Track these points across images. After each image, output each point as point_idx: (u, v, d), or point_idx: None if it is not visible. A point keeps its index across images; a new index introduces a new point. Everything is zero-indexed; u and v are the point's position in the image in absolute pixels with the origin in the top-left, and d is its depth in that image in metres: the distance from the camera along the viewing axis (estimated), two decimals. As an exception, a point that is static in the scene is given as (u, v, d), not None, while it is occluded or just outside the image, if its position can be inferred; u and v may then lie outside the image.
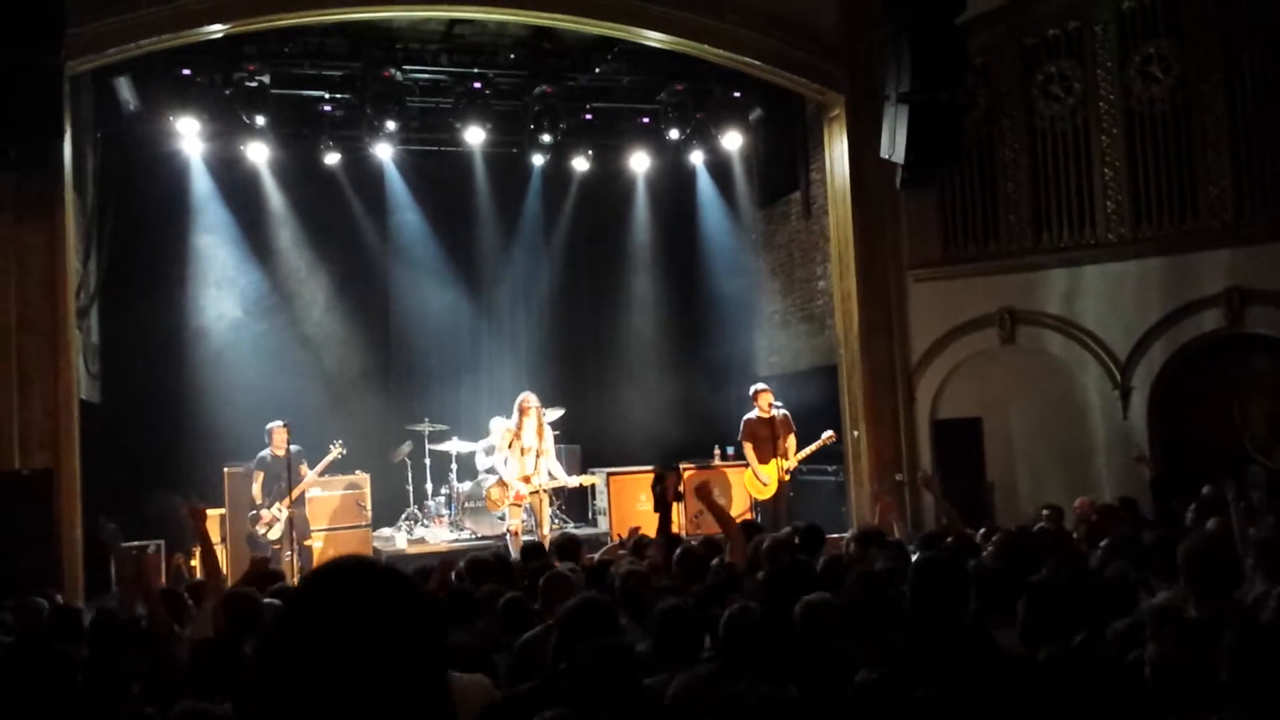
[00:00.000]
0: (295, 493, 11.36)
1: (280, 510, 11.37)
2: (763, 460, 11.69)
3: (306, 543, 11.59)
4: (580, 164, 14.61)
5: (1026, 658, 3.95)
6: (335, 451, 11.45)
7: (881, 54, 11.33)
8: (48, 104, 9.31)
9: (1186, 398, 11.06)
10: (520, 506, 11.37)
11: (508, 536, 11.30)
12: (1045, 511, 9.05)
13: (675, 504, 7.33)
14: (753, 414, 11.84)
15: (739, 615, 4.17)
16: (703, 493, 7.39)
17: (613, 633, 4.23)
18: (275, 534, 11.40)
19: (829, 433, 11.75)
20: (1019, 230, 11.91)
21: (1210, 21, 11.02)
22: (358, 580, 1.59)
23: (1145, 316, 11.19)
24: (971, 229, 12.10)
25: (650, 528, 9.98)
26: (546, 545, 10.48)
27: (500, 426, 11.80)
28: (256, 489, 11.51)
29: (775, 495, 11.64)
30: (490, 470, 12.38)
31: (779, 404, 11.81)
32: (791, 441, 11.74)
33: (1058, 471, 11.54)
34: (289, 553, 11.05)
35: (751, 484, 11.83)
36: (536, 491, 11.35)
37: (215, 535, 11.56)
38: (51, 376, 10.15)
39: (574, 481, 11.97)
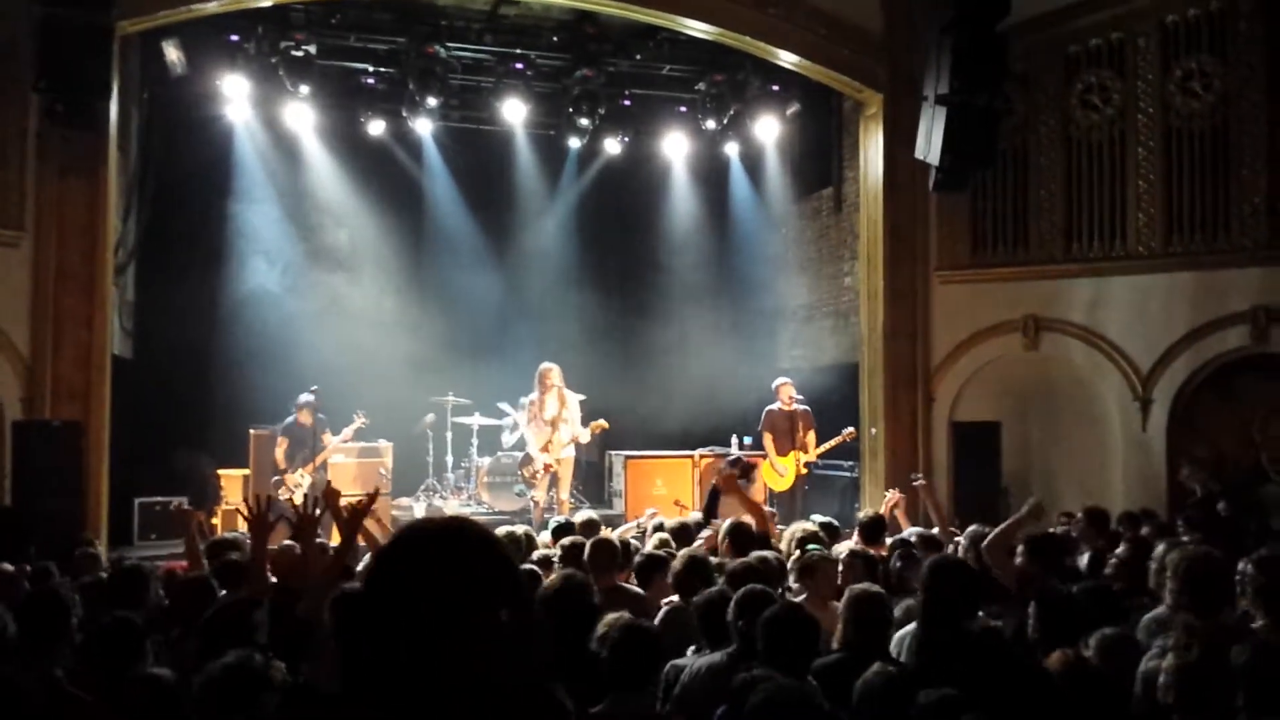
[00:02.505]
0: (319, 459, 11.53)
1: (304, 476, 11.53)
2: (781, 452, 11.83)
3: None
4: (616, 149, 14.70)
5: (1038, 663, 3.95)
6: (358, 421, 11.60)
7: (921, 54, 11.36)
8: (97, 62, 9.49)
9: (1207, 414, 11.07)
10: (544, 478, 11.58)
11: (531, 509, 11.52)
12: (1062, 519, 9.11)
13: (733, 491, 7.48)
14: (774, 406, 11.96)
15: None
16: (729, 484, 7.52)
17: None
18: (298, 499, 11.48)
19: (849, 429, 11.85)
20: (1049, 238, 11.92)
21: (1254, 40, 10.98)
22: (449, 541, 1.67)
23: (1170, 330, 11.19)
24: (1001, 234, 12.12)
25: (666, 511, 10.14)
26: (564, 511, 10.72)
27: (526, 402, 12.00)
28: (280, 454, 11.60)
29: (792, 488, 11.78)
30: (518, 446, 12.61)
31: (800, 397, 11.90)
32: (811, 436, 11.88)
33: (1075, 480, 11.57)
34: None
35: (769, 475, 11.94)
36: (557, 462, 11.55)
37: (239, 496, 11.79)
38: (86, 330, 10.31)
39: (585, 435, 11.82)
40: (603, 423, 11.71)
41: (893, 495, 8.88)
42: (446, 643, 1.57)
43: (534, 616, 1.76)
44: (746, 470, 10.96)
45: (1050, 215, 11.92)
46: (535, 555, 6.80)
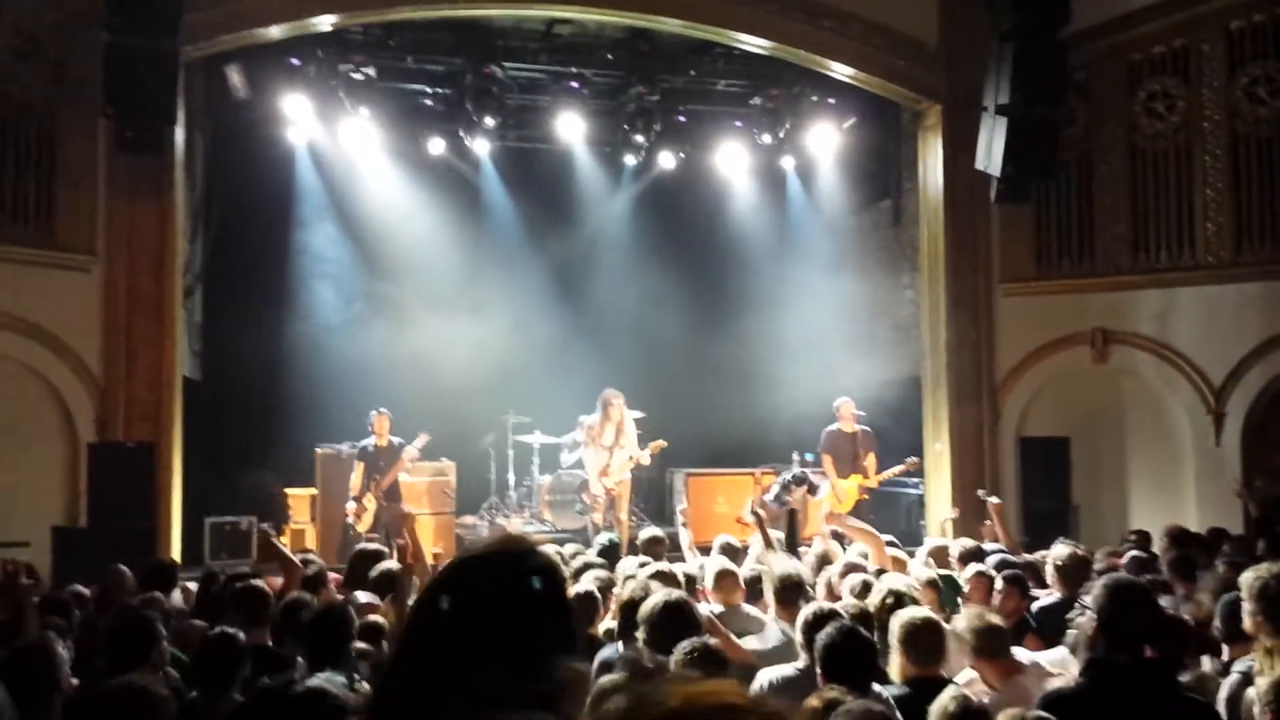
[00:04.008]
0: (385, 482, 11.06)
1: (369, 501, 11.09)
2: (842, 475, 11.52)
3: (400, 541, 11.03)
4: (672, 165, 14.71)
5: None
6: (422, 439, 11.23)
7: (980, 64, 11.23)
8: (163, 89, 9.69)
9: (1280, 427, 10.84)
10: (603, 502, 11.56)
11: (589, 530, 11.49)
12: (1132, 536, 8.94)
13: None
14: (835, 426, 11.71)
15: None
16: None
17: None
18: (364, 525, 11.06)
19: (913, 459, 11.51)
20: (1115, 248, 11.74)
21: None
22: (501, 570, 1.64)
23: (1242, 342, 10.98)
24: (1066, 245, 11.95)
25: (729, 529, 10.09)
26: (625, 533, 10.69)
27: (586, 423, 11.99)
28: (356, 479, 11.14)
29: (853, 510, 11.54)
30: (578, 465, 12.59)
31: (862, 415, 11.73)
32: (871, 458, 11.54)
33: (1146, 496, 11.36)
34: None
35: (829, 498, 11.71)
36: (616, 486, 11.53)
37: (306, 515, 11.88)
38: (157, 352, 10.53)
39: (645, 457, 11.70)
40: (661, 443, 11.67)
41: (995, 503, 8.81)
42: (484, 684, 1.51)
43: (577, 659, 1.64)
44: (804, 483, 10.91)
45: (1115, 225, 11.74)
46: (574, 564, 6.73)
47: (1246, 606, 4.44)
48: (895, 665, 4.41)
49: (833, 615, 4.48)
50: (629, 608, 4.97)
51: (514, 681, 1.50)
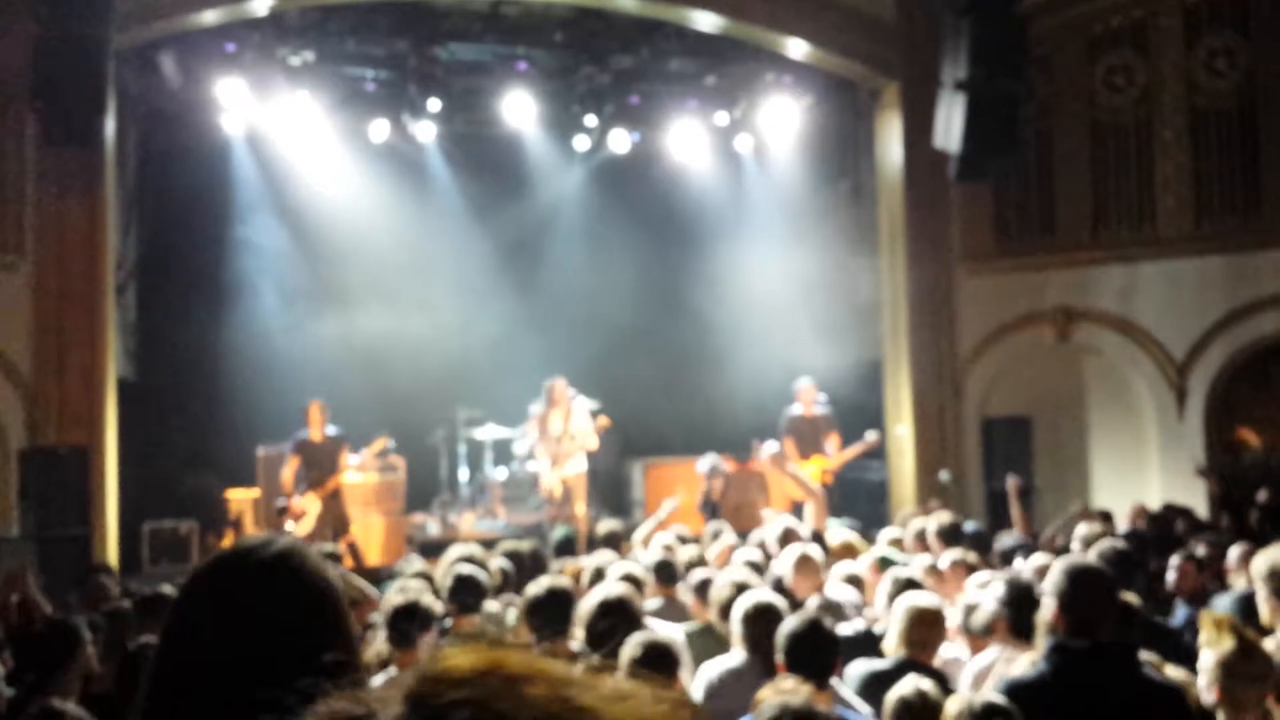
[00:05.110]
0: (330, 485, 10.41)
1: (314, 501, 10.40)
2: (804, 458, 11.42)
3: (345, 540, 10.18)
4: (626, 147, 14.37)
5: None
6: (380, 442, 10.85)
7: (938, 39, 11.00)
8: (93, 79, 9.43)
9: (1244, 401, 10.75)
10: (559, 495, 11.25)
11: (545, 525, 11.22)
12: (1095, 515, 8.81)
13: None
14: (796, 410, 11.57)
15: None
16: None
17: None
18: (305, 528, 10.25)
19: (873, 434, 11.43)
20: (1076, 225, 11.59)
21: (1277, 16, 10.65)
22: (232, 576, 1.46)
23: (1204, 316, 10.88)
24: (1027, 222, 11.80)
25: (690, 520, 9.86)
26: (582, 526, 10.42)
27: (534, 413, 11.68)
28: (288, 474, 10.45)
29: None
30: (531, 456, 12.28)
31: (823, 398, 11.55)
32: (833, 440, 11.44)
33: (1110, 474, 11.25)
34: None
35: (791, 482, 11.54)
36: (570, 478, 11.24)
37: (249, 517, 11.48)
38: (89, 352, 10.22)
39: (593, 440, 11.38)
40: (606, 420, 11.39)
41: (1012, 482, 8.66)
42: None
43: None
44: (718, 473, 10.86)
45: (1076, 201, 11.58)
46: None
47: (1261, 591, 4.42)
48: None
49: (770, 609, 4.49)
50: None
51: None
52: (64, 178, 10.10)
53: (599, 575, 5.85)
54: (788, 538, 6.84)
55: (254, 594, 1.43)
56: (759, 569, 6.06)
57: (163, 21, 10.53)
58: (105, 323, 10.33)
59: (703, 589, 5.59)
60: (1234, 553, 5.67)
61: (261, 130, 12.93)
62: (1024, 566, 6.13)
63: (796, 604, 5.14)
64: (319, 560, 1.52)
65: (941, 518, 7.49)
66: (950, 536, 6.95)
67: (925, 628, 4.54)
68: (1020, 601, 4.64)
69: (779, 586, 5.57)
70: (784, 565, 5.88)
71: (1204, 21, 11.06)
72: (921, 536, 7.33)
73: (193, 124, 12.67)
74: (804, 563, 5.82)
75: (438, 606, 4.96)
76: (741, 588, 4.94)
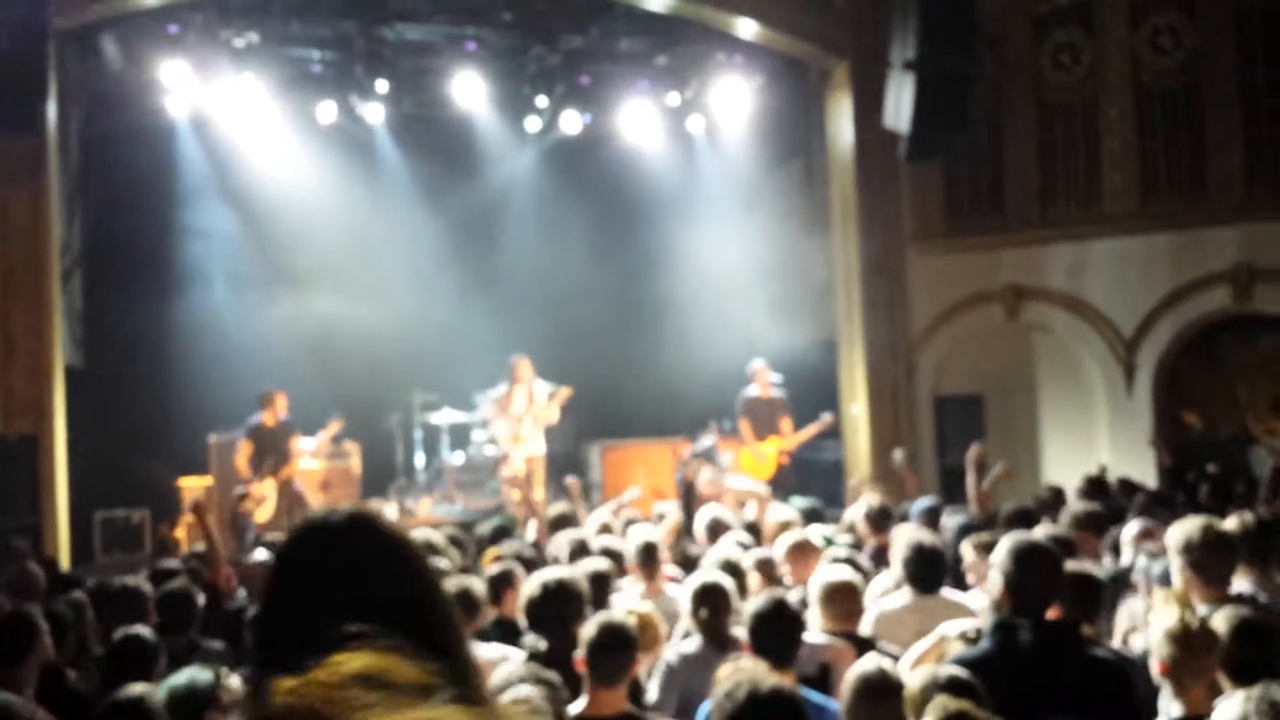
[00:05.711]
0: (286, 470, 10.46)
1: (268, 488, 10.38)
2: (760, 439, 11.47)
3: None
4: (577, 128, 14.28)
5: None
6: (334, 426, 10.92)
7: (887, 19, 11.03)
8: (33, 63, 9.20)
9: (1192, 376, 10.93)
10: (522, 477, 11.23)
11: (508, 507, 11.20)
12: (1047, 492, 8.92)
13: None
14: (752, 391, 11.61)
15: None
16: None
17: None
18: (265, 514, 10.35)
19: (827, 416, 11.49)
20: (1024, 203, 11.70)
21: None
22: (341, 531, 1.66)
23: (1151, 293, 11.04)
24: (976, 201, 11.90)
25: (648, 502, 9.87)
26: (541, 511, 10.39)
27: (492, 396, 11.66)
28: (242, 461, 10.45)
29: (774, 476, 11.43)
30: (492, 440, 12.25)
31: (778, 380, 11.59)
32: (787, 422, 11.48)
33: (1060, 450, 11.40)
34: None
35: (749, 464, 11.58)
36: (528, 460, 11.23)
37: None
38: (36, 340, 10.09)
39: (554, 413, 11.41)
40: (567, 390, 11.39)
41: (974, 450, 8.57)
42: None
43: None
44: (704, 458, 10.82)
45: (1025, 180, 11.69)
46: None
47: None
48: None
49: (716, 588, 4.56)
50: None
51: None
52: (6, 164, 9.93)
53: (582, 549, 6.05)
54: (717, 529, 6.90)
55: (339, 546, 1.65)
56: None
57: (103, 3, 10.35)
58: (52, 310, 10.17)
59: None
60: (1131, 528, 5.65)
61: (207, 113, 12.72)
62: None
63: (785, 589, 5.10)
64: (385, 518, 1.76)
65: (871, 501, 7.37)
66: (879, 521, 6.88)
67: (844, 599, 4.66)
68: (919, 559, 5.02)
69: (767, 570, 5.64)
70: (778, 551, 5.86)
71: (1149, 1, 11.17)
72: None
73: (136, 108, 12.43)
74: (800, 549, 5.78)
75: None
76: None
